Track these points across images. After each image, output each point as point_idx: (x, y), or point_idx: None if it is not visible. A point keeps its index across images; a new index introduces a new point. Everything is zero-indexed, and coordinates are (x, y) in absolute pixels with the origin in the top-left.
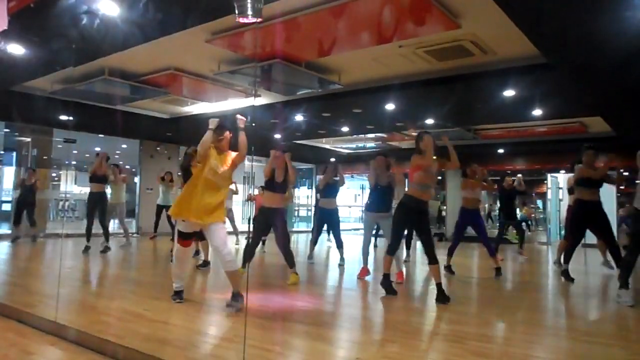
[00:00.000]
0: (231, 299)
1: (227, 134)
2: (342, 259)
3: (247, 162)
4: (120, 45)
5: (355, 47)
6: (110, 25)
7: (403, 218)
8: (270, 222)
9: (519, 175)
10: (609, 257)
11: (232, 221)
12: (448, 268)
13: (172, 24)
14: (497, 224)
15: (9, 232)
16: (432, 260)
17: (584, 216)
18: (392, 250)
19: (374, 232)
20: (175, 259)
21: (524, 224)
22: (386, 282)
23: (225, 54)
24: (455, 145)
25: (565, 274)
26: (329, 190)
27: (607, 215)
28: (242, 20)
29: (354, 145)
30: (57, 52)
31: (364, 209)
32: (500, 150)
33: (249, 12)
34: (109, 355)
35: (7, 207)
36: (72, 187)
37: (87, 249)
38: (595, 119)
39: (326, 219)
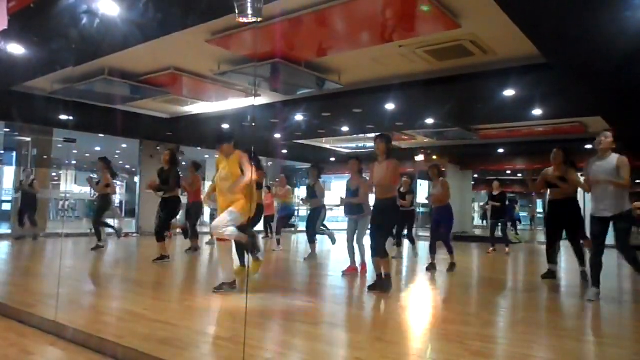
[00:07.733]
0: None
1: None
2: (310, 255)
3: None
4: (120, 45)
5: (355, 47)
6: (110, 25)
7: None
8: None
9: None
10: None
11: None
12: (432, 266)
13: (172, 24)
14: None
15: (9, 232)
16: (382, 254)
17: (553, 216)
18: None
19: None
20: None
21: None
22: (380, 283)
23: (225, 54)
24: (455, 145)
25: (547, 274)
26: (310, 194)
27: (578, 214)
28: (242, 20)
29: (354, 145)
30: (57, 52)
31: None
32: (500, 150)
33: (249, 11)
34: (108, 355)
35: (7, 207)
36: (72, 186)
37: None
38: (595, 119)
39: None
